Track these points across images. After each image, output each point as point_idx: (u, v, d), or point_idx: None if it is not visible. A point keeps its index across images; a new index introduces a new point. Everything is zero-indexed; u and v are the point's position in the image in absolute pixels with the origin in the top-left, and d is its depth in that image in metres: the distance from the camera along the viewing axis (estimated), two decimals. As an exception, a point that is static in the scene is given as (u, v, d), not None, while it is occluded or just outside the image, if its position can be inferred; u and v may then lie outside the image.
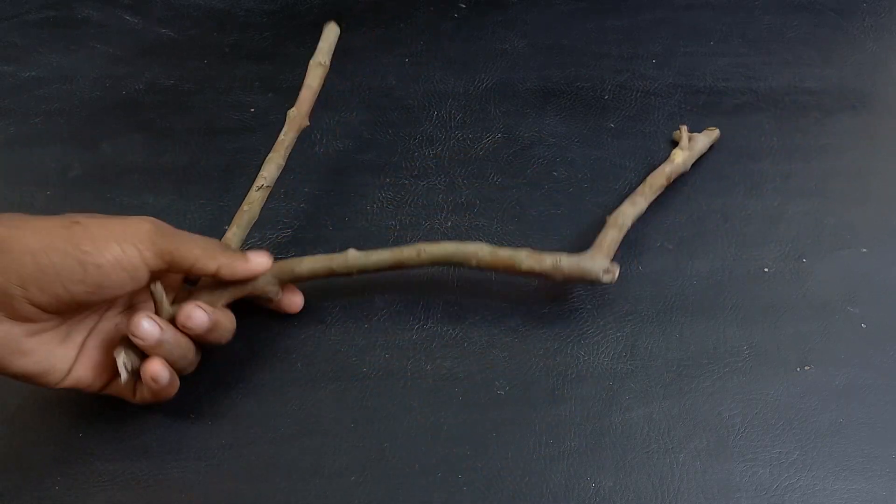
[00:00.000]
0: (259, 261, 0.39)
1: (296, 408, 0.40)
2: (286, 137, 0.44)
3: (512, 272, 0.40)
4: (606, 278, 0.40)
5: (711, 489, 0.37)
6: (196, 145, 0.52)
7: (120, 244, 0.34)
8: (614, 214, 0.44)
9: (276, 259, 0.40)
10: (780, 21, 0.61)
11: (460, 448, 0.38)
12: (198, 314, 0.36)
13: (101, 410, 0.39)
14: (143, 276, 0.35)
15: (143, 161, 0.51)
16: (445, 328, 0.43)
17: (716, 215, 0.48)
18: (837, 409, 0.40)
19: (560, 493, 0.37)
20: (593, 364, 0.41)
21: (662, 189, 0.47)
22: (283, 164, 0.44)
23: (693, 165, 0.49)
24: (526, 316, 0.43)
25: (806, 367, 0.41)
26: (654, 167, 0.49)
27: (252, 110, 0.54)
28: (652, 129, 0.53)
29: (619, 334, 0.42)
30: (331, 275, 0.41)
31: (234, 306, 0.40)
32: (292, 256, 0.45)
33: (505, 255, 0.40)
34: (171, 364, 0.37)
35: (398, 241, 0.46)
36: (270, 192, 0.43)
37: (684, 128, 0.49)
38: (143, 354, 0.36)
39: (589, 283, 0.41)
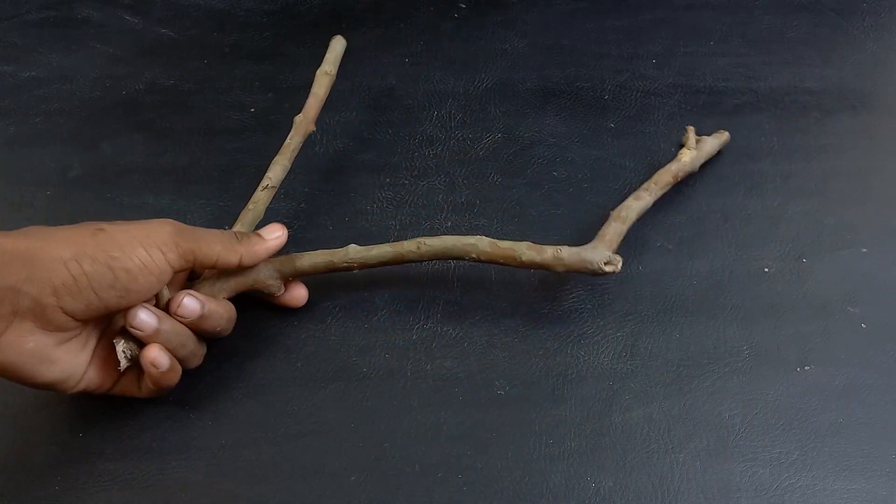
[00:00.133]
0: (275, 235, 0.40)
1: (296, 408, 0.40)
2: (292, 141, 0.45)
3: (512, 264, 0.40)
4: (608, 269, 0.40)
5: (711, 489, 0.37)
6: (196, 145, 0.52)
7: (146, 248, 0.34)
8: (619, 208, 0.44)
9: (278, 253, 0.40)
10: (780, 21, 0.61)
11: (460, 448, 0.38)
12: (188, 302, 0.37)
13: (101, 410, 0.39)
14: (168, 277, 0.36)
15: (143, 161, 0.51)
16: (445, 328, 0.43)
17: (716, 215, 0.48)
18: (837, 409, 0.40)
19: (560, 493, 0.37)
20: (593, 364, 0.41)
21: (669, 187, 0.47)
22: (289, 166, 0.45)
23: (693, 165, 0.49)
24: (526, 316, 0.43)
25: (806, 367, 0.41)
26: (655, 167, 0.49)
27: (252, 110, 0.54)
28: (652, 129, 0.53)
29: (619, 334, 0.42)
30: (332, 269, 0.41)
31: (235, 303, 0.40)
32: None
33: (505, 246, 0.40)
34: (172, 353, 0.37)
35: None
36: (275, 191, 0.44)
37: (691, 129, 0.49)
38: (142, 344, 0.37)
39: (591, 275, 0.40)
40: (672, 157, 0.51)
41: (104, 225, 0.35)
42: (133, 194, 0.49)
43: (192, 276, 0.41)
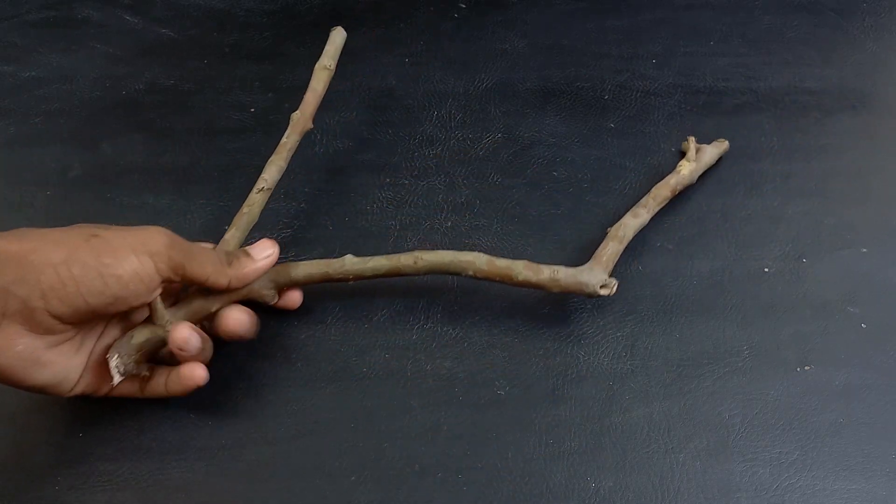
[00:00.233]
0: (265, 254, 0.39)
1: (296, 408, 0.40)
2: (289, 140, 0.45)
3: (508, 283, 0.40)
4: (603, 292, 0.40)
5: (711, 489, 0.37)
6: (196, 145, 0.52)
7: (137, 255, 0.34)
8: (616, 226, 0.44)
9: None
10: (780, 21, 0.61)
11: (460, 448, 0.38)
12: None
13: (101, 410, 0.39)
14: (157, 286, 0.36)
15: (143, 161, 0.51)
16: (445, 328, 0.43)
17: (716, 215, 0.48)
18: (837, 409, 0.40)
19: (560, 493, 0.37)
20: (593, 364, 0.41)
21: (667, 201, 0.47)
22: (285, 166, 0.44)
23: (693, 165, 0.49)
24: (526, 316, 0.43)
25: (806, 367, 0.41)
26: (655, 167, 0.49)
27: (252, 110, 0.54)
28: (652, 129, 0.53)
29: (619, 334, 0.42)
30: (327, 280, 0.41)
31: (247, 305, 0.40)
32: (292, 257, 0.46)
33: (502, 265, 0.40)
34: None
35: (398, 241, 0.47)
36: (271, 193, 0.43)
37: (692, 139, 0.49)
38: (135, 357, 0.37)
39: (586, 297, 0.41)
40: (672, 157, 0.51)
41: (98, 230, 0.34)
42: (133, 194, 0.49)
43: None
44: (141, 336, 0.37)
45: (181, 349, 0.36)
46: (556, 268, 0.40)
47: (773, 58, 0.58)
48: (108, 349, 0.37)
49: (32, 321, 0.32)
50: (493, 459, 0.38)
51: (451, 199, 0.49)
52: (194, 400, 0.40)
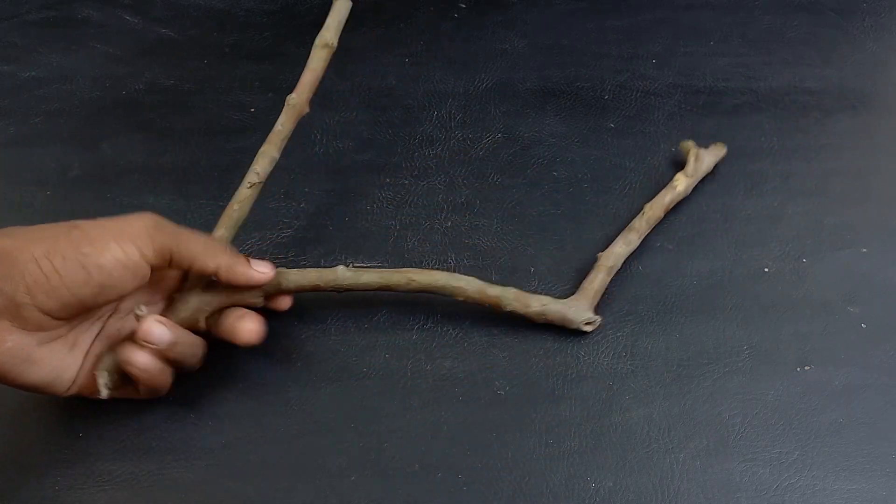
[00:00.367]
0: (262, 270, 0.38)
1: (296, 408, 0.40)
2: (283, 127, 0.42)
3: (497, 311, 0.41)
4: (587, 329, 0.42)
5: (711, 489, 0.37)
6: (196, 145, 0.52)
7: (119, 243, 0.34)
8: (605, 255, 0.43)
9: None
10: (780, 21, 0.61)
11: (460, 448, 0.38)
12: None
13: (101, 410, 0.39)
14: (146, 272, 0.35)
15: (143, 161, 0.51)
16: (445, 328, 0.43)
17: (716, 215, 0.48)
18: (837, 409, 0.40)
19: (560, 493, 0.37)
20: (593, 364, 0.41)
21: (660, 220, 0.46)
22: (278, 157, 0.42)
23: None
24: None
25: (806, 367, 0.41)
26: (654, 167, 0.49)
27: (252, 110, 0.54)
28: (652, 129, 0.53)
29: (619, 334, 0.42)
30: (317, 290, 0.40)
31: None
32: (292, 257, 0.46)
33: (493, 293, 0.41)
34: (180, 363, 0.37)
35: (398, 241, 0.47)
36: (270, 192, 0.43)
37: (692, 144, 0.48)
38: (122, 372, 0.36)
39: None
40: (672, 157, 0.51)
41: (80, 222, 0.34)
42: (133, 194, 0.49)
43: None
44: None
45: (145, 340, 0.35)
46: (544, 300, 0.41)
47: (773, 58, 0.58)
48: (106, 349, 0.37)
49: (21, 317, 0.32)
50: (493, 459, 0.38)
51: (451, 199, 0.49)
52: (194, 400, 0.40)
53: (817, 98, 0.55)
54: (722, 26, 0.60)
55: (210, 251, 0.37)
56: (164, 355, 0.36)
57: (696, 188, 0.49)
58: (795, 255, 0.46)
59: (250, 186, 0.41)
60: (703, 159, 0.48)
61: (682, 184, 0.47)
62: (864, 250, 0.46)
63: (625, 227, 0.45)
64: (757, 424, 0.39)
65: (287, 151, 0.43)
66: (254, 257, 0.39)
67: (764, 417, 0.39)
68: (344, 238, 0.47)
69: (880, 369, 0.41)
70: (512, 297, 0.40)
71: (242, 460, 0.38)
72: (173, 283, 0.40)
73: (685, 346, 0.42)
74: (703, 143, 0.50)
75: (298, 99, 0.43)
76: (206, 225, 0.47)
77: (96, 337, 0.37)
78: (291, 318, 0.43)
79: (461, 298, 0.40)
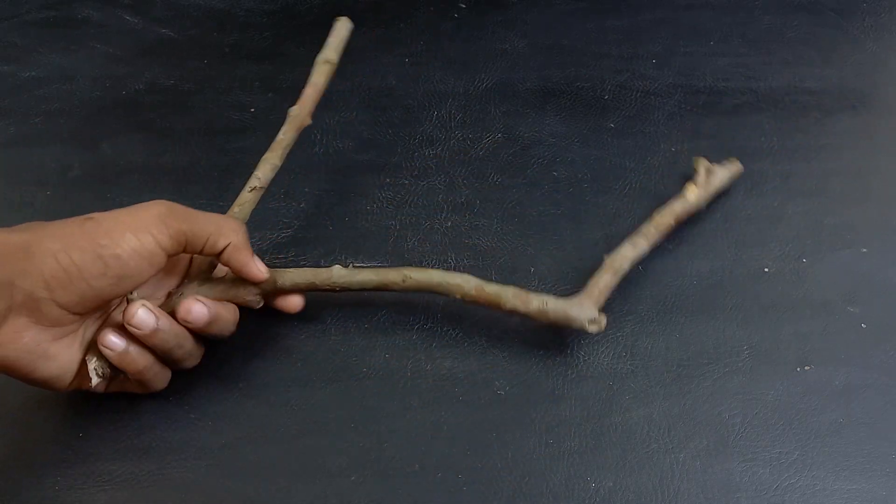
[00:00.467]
0: (261, 268, 0.39)
1: (296, 408, 0.40)
2: (285, 137, 0.44)
3: (496, 309, 0.40)
4: (592, 328, 0.39)
5: (712, 489, 0.37)
6: (196, 145, 0.52)
7: (134, 233, 0.34)
8: (612, 256, 0.42)
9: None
10: (780, 21, 0.61)
11: (460, 448, 0.38)
12: (197, 308, 0.37)
13: (101, 410, 0.39)
14: (162, 260, 0.35)
15: (143, 161, 0.51)
16: (445, 328, 0.43)
17: (716, 215, 0.48)
18: (837, 409, 0.40)
19: (560, 493, 0.37)
20: (593, 364, 0.41)
21: (670, 230, 0.45)
22: (280, 164, 0.43)
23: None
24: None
25: (806, 367, 0.41)
26: (654, 167, 0.49)
27: (252, 110, 0.54)
28: (652, 129, 0.53)
29: (619, 334, 0.42)
30: (314, 289, 0.40)
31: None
32: (291, 257, 0.46)
33: (491, 291, 0.39)
34: (167, 353, 0.37)
35: (398, 241, 0.47)
36: (270, 192, 0.43)
37: (703, 160, 0.47)
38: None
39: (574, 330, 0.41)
40: (672, 157, 0.51)
41: (94, 214, 0.35)
42: (133, 194, 0.49)
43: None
44: None
45: (128, 323, 0.35)
46: (545, 299, 0.39)
47: (773, 58, 0.58)
48: (90, 344, 0.37)
49: (39, 313, 0.32)
50: (493, 459, 0.38)
51: (451, 199, 0.49)
52: (194, 400, 0.40)
53: (817, 98, 0.55)
54: (722, 26, 0.61)
55: (223, 229, 0.37)
56: (148, 342, 0.36)
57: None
58: (795, 255, 0.46)
59: (251, 191, 0.42)
60: (717, 173, 0.47)
61: (693, 194, 0.46)
62: (864, 250, 0.46)
63: (625, 227, 0.45)
64: (757, 424, 0.39)
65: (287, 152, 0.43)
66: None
67: (764, 417, 0.39)
68: (344, 238, 0.47)
69: (880, 369, 0.41)
70: (511, 295, 0.39)
71: (242, 460, 0.38)
72: (183, 266, 0.40)
73: (685, 346, 0.42)
74: (703, 143, 0.50)
75: (300, 111, 0.44)
76: (206, 225, 0.47)
77: (98, 330, 0.37)
78: (291, 317, 0.43)
79: (459, 297, 0.40)
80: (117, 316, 0.38)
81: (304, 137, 0.46)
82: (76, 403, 0.40)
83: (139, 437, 0.39)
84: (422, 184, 0.50)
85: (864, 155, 0.51)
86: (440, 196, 0.49)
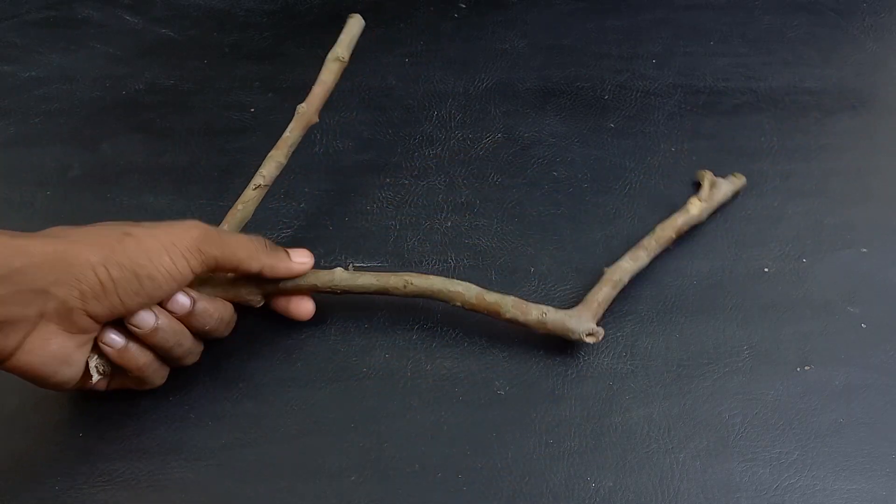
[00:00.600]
0: (301, 260, 0.40)
1: (296, 408, 0.40)
2: (292, 134, 0.43)
3: (495, 318, 0.40)
4: (589, 340, 0.40)
5: (712, 489, 0.37)
6: (196, 145, 0.52)
7: (171, 255, 0.35)
8: (612, 269, 0.42)
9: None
10: (780, 21, 0.61)
11: (460, 448, 0.38)
12: (179, 297, 0.36)
13: (101, 410, 0.39)
14: (188, 281, 0.36)
15: (143, 161, 0.51)
16: (445, 328, 0.43)
17: (716, 215, 0.48)
18: (837, 409, 0.40)
19: (560, 493, 0.37)
20: (593, 364, 0.41)
21: (671, 242, 0.45)
22: (285, 162, 0.43)
23: (693, 165, 0.49)
24: (526, 316, 0.43)
25: (806, 367, 0.41)
26: (654, 167, 0.49)
27: (252, 110, 0.54)
28: (652, 129, 0.53)
29: (619, 334, 0.42)
30: (315, 291, 0.41)
31: (236, 306, 0.40)
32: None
33: (491, 299, 0.40)
34: (167, 351, 0.37)
35: (398, 241, 0.47)
36: (270, 191, 0.43)
37: (708, 173, 0.47)
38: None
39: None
40: (672, 157, 0.51)
41: (130, 228, 0.35)
42: (133, 194, 0.49)
43: None
44: None
45: (129, 322, 0.35)
46: (544, 309, 0.40)
47: (773, 58, 0.58)
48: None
49: (69, 321, 0.33)
50: (493, 459, 0.38)
51: (451, 199, 0.49)
52: (194, 400, 0.40)
53: (817, 98, 0.55)
54: (722, 26, 0.61)
55: (253, 255, 0.38)
56: (147, 340, 0.36)
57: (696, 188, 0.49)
58: (795, 255, 0.46)
59: (255, 188, 0.42)
60: (720, 187, 0.47)
61: (695, 207, 0.46)
62: (864, 250, 0.46)
63: (625, 227, 0.45)
64: (757, 424, 0.39)
65: (287, 151, 0.43)
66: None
67: (764, 417, 0.39)
68: (344, 238, 0.47)
69: (880, 369, 0.41)
70: (510, 304, 0.40)
71: (242, 460, 0.38)
72: None
73: (685, 346, 0.42)
74: (703, 143, 0.50)
75: (308, 109, 0.44)
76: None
77: (102, 330, 0.37)
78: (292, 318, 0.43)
79: (459, 304, 0.40)
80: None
81: (305, 137, 0.46)
82: (76, 403, 0.40)
83: (139, 437, 0.39)
84: (422, 184, 0.50)
85: (864, 155, 0.51)
86: (440, 196, 0.49)
